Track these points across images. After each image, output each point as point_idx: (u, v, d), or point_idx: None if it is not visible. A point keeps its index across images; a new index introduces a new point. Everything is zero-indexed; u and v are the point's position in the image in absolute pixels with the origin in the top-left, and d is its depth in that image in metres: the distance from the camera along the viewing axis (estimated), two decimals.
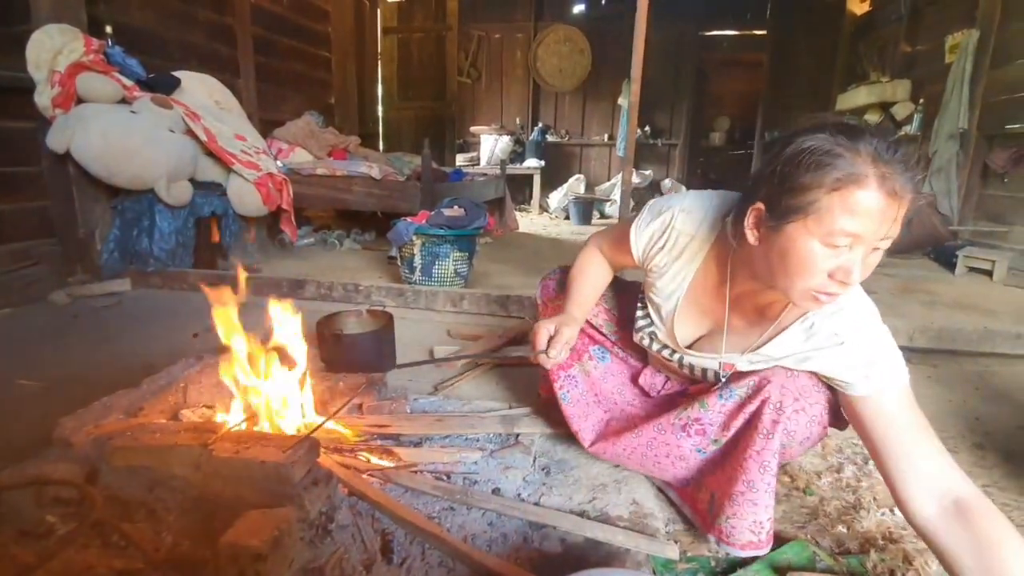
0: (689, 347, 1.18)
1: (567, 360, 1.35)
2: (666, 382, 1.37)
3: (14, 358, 2.01)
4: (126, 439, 1.11)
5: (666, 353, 1.22)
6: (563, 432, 1.48)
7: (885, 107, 5.15)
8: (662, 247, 1.11)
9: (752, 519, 1.05)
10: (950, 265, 3.51)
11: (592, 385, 1.38)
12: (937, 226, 3.81)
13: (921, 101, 4.70)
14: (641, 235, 1.14)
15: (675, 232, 1.09)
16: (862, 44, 5.86)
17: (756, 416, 1.06)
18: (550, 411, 1.49)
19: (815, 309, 0.95)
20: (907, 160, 0.80)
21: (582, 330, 1.35)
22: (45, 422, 1.25)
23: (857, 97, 5.42)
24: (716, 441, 1.14)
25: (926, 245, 3.90)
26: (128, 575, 0.93)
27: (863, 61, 5.71)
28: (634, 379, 1.41)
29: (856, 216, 0.79)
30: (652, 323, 1.22)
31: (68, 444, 1.19)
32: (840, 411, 1.08)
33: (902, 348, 0.97)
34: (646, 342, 1.25)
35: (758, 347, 1.06)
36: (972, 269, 3.44)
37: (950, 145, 4.01)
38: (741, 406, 1.09)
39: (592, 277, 1.31)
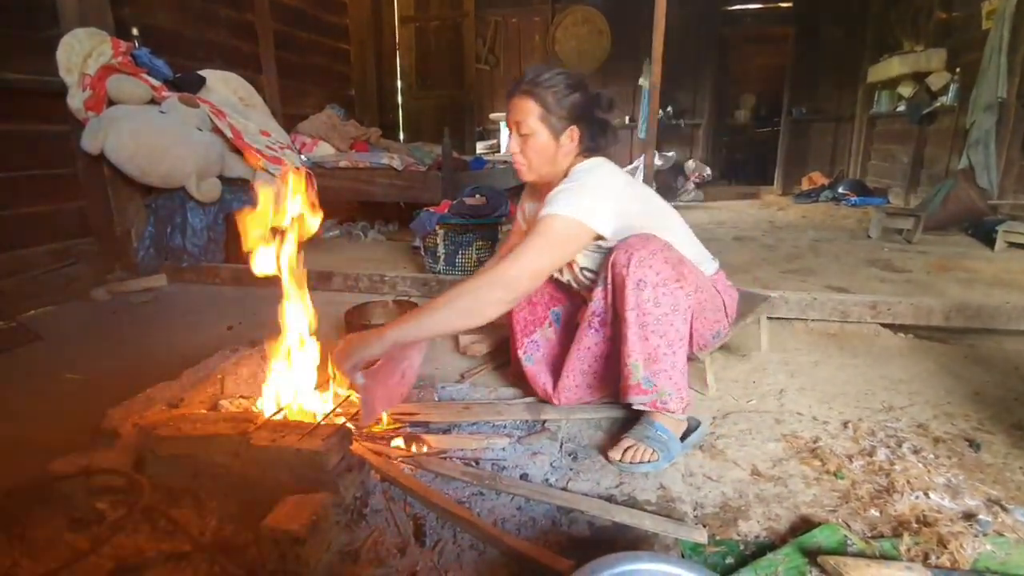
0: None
1: (529, 328, 1.62)
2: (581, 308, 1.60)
3: (60, 353, 2.10)
4: (169, 429, 1.16)
5: (564, 278, 1.55)
6: (588, 418, 1.49)
7: (919, 77, 4.96)
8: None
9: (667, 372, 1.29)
10: (989, 241, 3.38)
11: (551, 348, 1.62)
12: (975, 200, 3.67)
13: (957, 71, 4.51)
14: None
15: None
16: (894, 12, 5.64)
17: (615, 277, 1.31)
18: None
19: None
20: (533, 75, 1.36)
21: (542, 299, 1.64)
22: (91, 414, 1.31)
23: (890, 68, 5.23)
24: (610, 324, 1.39)
25: (963, 220, 3.75)
26: (176, 558, 0.97)
27: (895, 30, 5.49)
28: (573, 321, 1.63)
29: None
30: None
31: (115, 434, 1.24)
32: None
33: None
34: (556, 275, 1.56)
35: None
36: (1012, 244, 3.30)
37: (988, 116, 3.85)
38: (606, 281, 1.34)
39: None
